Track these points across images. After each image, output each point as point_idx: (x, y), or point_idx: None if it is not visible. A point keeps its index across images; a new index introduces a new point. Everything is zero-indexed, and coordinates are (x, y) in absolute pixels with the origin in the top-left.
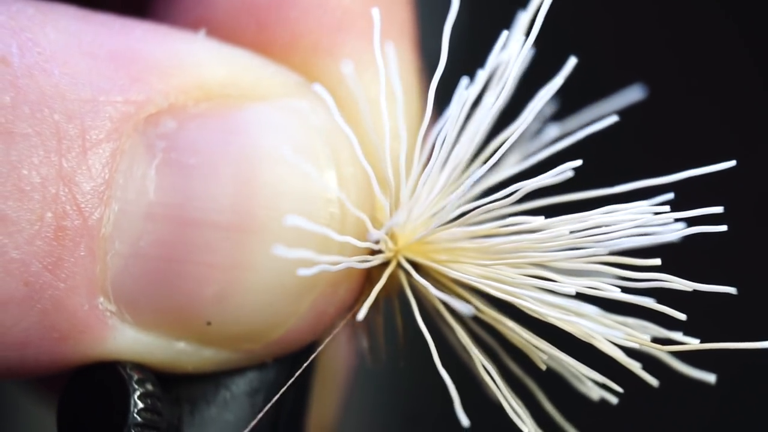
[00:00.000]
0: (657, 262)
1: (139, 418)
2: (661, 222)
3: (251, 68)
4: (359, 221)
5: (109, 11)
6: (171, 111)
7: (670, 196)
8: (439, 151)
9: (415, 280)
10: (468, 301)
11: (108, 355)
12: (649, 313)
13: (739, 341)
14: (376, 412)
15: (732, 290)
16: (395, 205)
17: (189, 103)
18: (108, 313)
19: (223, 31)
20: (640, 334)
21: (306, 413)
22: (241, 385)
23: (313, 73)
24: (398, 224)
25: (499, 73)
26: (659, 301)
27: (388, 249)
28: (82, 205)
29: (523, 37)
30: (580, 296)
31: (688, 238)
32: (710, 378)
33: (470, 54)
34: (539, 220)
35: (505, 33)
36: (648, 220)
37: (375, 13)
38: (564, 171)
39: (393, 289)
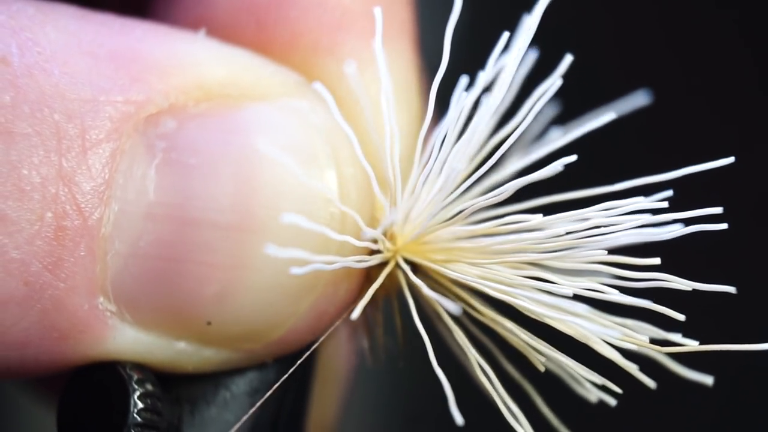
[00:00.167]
0: (656, 261)
1: (139, 418)
2: (660, 219)
3: (251, 68)
4: (358, 221)
5: (109, 11)
6: (171, 111)
7: (669, 193)
8: (439, 152)
9: (411, 280)
10: (466, 302)
11: (108, 355)
12: (647, 313)
13: (738, 343)
14: (377, 413)
15: (731, 289)
16: (394, 205)
17: (189, 103)
18: (108, 313)
19: (223, 31)
20: (638, 335)
21: (306, 413)
22: (241, 385)
23: (313, 73)
24: (396, 224)
25: (499, 74)
26: (657, 301)
27: (387, 249)
28: (82, 205)
29: (524, 39)
30: (578, 296)
31: (685, 237)
32: (707, 380)
33: (471, 54)
34: (537, 218)
35: (505, 35)
36: (647, 219)
37: (377, 12)
38: (556, 166)
39: (393, 289)
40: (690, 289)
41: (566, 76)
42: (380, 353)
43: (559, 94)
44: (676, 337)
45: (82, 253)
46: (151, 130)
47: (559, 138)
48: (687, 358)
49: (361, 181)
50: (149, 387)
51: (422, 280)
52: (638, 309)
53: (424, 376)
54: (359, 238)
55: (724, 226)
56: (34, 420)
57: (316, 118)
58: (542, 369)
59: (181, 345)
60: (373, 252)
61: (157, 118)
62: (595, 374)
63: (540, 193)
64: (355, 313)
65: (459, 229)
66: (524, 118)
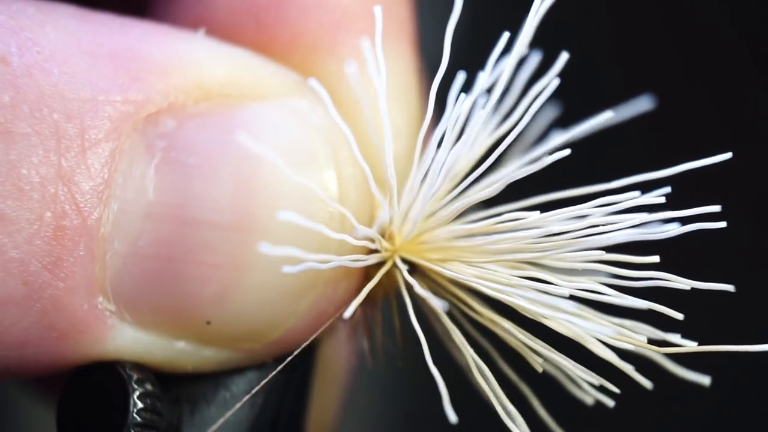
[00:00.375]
0: (655, 259)
1: (138, 418)
2: (657, 217)
3: (250, 67)
4: (359, 220)
5: (109, 11)
6: (170, 110)
7: (667, 190)
8: (437, 151)
9: (407, 280)
10: (464, 301)
11: (107, 355)
12: (644, 313)
13: (737, 344)
14: (377, 412)
15: (730, 288)
16: (392, 204)
17: (188, 102)
18: (107, 313)
19: (222, 31)
20: (635, 335)
21: (306, 413)
22: (240, 385)
23: (313, 73)
24: (395, 223)
25: (499, 75)
26: (655, 300)
27: (384, 248)
28: (81, 205)
29: (523, 40)
30: (576, 296)
31: (683, 236)
32: (705, 380)
33: (471, 54)
34: (534, 215)
35: (505, 36)
36: (645, 217)
37: (377, 11)
38: (546, 159)
39: (392, 289)
40: (689, 288)
41: (567, 78)
42: (380, 353)
43: (560, 97)
44: (674, 337)
45: (81, 253)
46: (151, 130)
47: (557, 139)
48: (685, 359)
49: (361, 181)
50: (149, 387)
51: (420, 280)
52: (635, 308)
53: (424, 376)
54: (357, 238)
55: (722, 224)
56: (34, 420)
57: (316, 117)
58: (540, 369)
59: (181, 345)
60: (371, 251)
61: (157, 118)
62: (593, 374)
63: (537, 192)
64: (348, 312)
65: (456, 228)
66: (522, 118)
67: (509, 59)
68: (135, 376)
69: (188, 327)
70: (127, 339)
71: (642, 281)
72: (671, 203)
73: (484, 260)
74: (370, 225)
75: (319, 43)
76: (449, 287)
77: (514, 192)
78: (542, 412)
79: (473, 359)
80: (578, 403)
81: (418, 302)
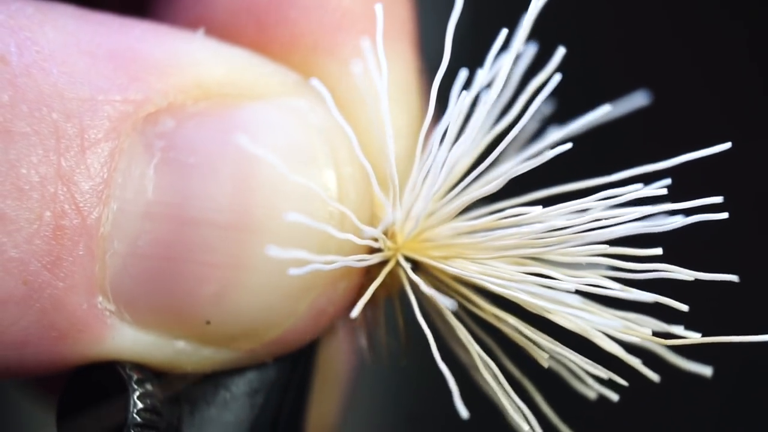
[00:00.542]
0: (658, 251)
1: (138, 418)
2: (660, 209)
3: (250, 67)
4: (358, 220)
5: (109, 11)
6: (170, 110)
7: (668, 181)
8: (438, 149)
9: (411, 278)
10: (468, 298)
11: (107, 355)
12: (644, 305)
13: (741, 334)
14: (379, 412)
15: (734, 278)
16: (394, 203)
17: (188, 102)
18: (107, 312)
19: (223, 31)
20: (639, 328)
21: (306, 413)
22: (240, 385)
23: (313, 73)
24: (397, 222)
25: (498, 72)
26: (657, 292)
27: (387, 247)
28: (81, 204)
29: (521, 36)
30: (580, 291)
31: (685, 228)
32: (707, 371)
33: (473, 54)
34: (537, 210)
35: (504, 32)
36: (647, 209)
37: (378, 8)
38: (548, 154)
39: (394, 288)
40: (692, 279)
41: (564, 72)
42: (381, 353)
43: (556, 93)
44: (677, 329)
45: (80, 253)
46: (150, 129)
47: (554, 135)
48: (686, 352)
49: (360, 181)
50: (149, 387)
51: (423, 278)
52: (634, 301)
53: (425, 376)
54: (360, 237)
55: (724, 215)
56: (34, 420)
57: (315, 117)
58: (546, 365)
59: (180, 344)
60: (373, 251)
61: (156, 117)
62: (600, 368)
63: (535, 187)
64: (355, 312)
65: (459, 225)
66: (523, 114)
67: (507, 55)
68: (135, 377)
69: (187, 327)
70: (126, 339)
71: (645, 274)
72: (672, 195)
73: (488, 257)
74: (369, 224)
75: (319, 44)
76: (452, 284)
77: (513, 187)
78: (546, 409)
79: (479, 356)
80: (578, 401)
81: (420, 300)
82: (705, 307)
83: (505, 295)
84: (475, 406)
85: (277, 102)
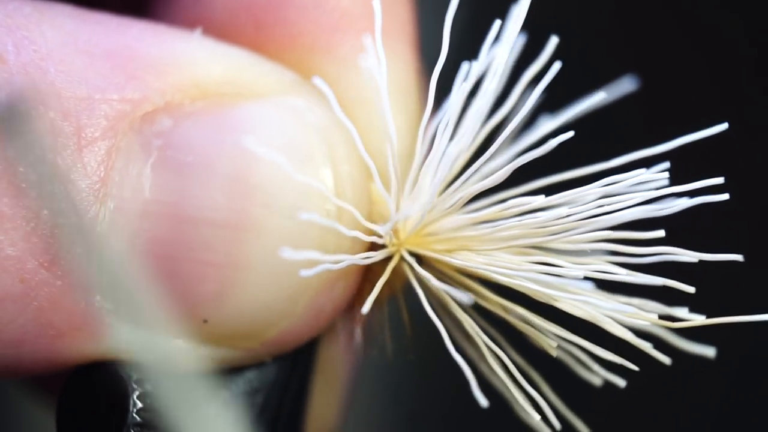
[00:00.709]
0: (660, 233)
1: (138, 418)
2: (663, 192)
3: (247, 66)
4: (356, 218)
5: (107, 10)
6: (167, 109)
7: (667, 165)
8: (438, 143)
9: (417, 272)
10: (473, 290)
11: (105, 353)
12: (648, 289)
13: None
14: (379, 411)
15: (739, 257)
16: (395, 198)
17: (185, 101)
18: (104, 311)
19: (221, 31)
20: (645, 313)
21: (305, 413)
22: (240, 384)
23: (310, 73)
24: (399, 217)
25: (493, 63)
26: (660, 275)
27: (390, 243)
28: (78, 203)
29: (515, 27)
30: (585, 277)
31: (686, 211)
32: (710, 352)
33: (472, 51)
34: (540, 199)
35: (497, 24)
36: (651, 193)
37: (377, 8)
38: (551, 144)
39: (396, 285)
40: (696, 260)
41: (553, 61)
42: (385, 350)
43: (551, 84)
44: (681, 312)
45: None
46: (147, 128)
47: (549, 123)
48: (690, 335)
49: (357, 179)
50: (149, 387)
51: (427, 272)
52: (637, 285)
53: (424, 375)
54: (365, 234)
55: (725, 196)
56: (33, 420)
57: (312, 116)
58: (554, 353)
59: (178, 343)
60: (373, 248)
61: (153, 116)
62: (610, 353)
63: (534, 175)
64: (365, 308)
65: (461, 217)
66: (520, 104)
67: (501, 46)
68: (135, 376)
69: (185, 325)
70: (124, 337)
71: (649, 257)
72: (673, 178)
73: (492, 248)
74: (367, 221)
75: (317, 44)
76: (456, 277)
77: (511, 177)
78: (555, 399)
79: (488, 347)
80: (582, 392)
81: (418, 295)
82: (709, 290)
83: (512, 285)
84: (474, 405)
85: (275, 101)
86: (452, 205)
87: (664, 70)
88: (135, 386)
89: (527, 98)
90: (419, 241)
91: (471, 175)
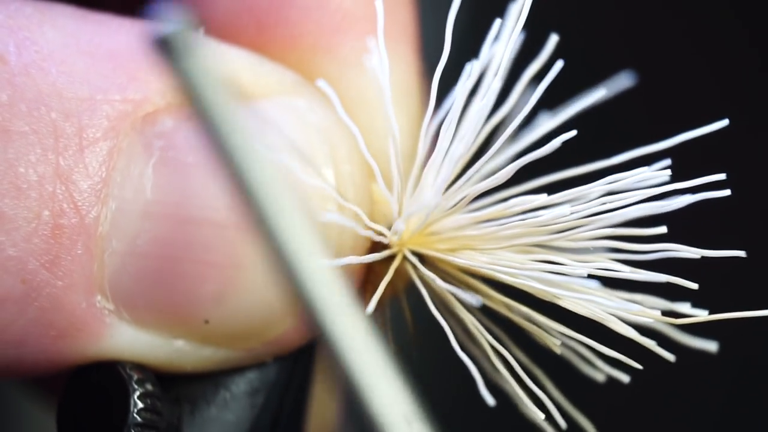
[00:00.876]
0: (663, 230)
1: (139, 418)
2: (666, 189)
3: (248, 67)
4: (356, 218)
5: (108, 11)
6: (168, 109)
7: (668, 162)
8: (440, 143)
9: (420, 272)
10: (476, 289)
11: (106, 354)
12: (650, 286)
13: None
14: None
15: (741, 254)
16: (399, 198)
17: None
18: (106, 312)
19: (223, 32)
20: (649, 309)
21: (306, 413)
22: (241, 384)
23: (312, 73)
24: (402, 217)
25: (496, 62)
26: (662, 272)
27: (393, 243)
28: (79, 203)
29: (514, 26)
30: (589, 275)
31: (689, 208)
32: (712, 346)
33: (473, 52)
34: (542, 198)
35: (498, 23)
36: (654, 190)
37: (378, 5)
38: (555, 143)
39: (398, 285)
40: (699, 257)
41: (552, 58)
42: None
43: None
44: (684, 307)
45: (79, 252)
46: (149, 129)
47: (548, 121)
48: (694, 332)
49: (358, 179)
50: (149, 387)
51: (430, 272)
52: (639, 282)
53: (425, 375)
54: (376, 233)
55: (727, 192)
56: (34, 420)
57: (314, 116)
58: (558, 351)
59: (180, 344)
60: (375, 247)
61: (155, 117)
62: (613, 351)
63: (539, 174)
64: (369, 308)
65: (464, 216)
66: (521, 102)
67: (500, 44)
68: (135, 376)
69: (187, 326)
70: (125, 338)
71: (651, 254)
72: (674, 175)
73: (494, 247)
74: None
75: (319, 45)
76: (459, 277)
77: (514, 175)
78: (559, 397)
79: (492, 346)
80: (585, 389)
81: (419, 295)
82: (711, 287)
83: (515, 284)
84: (475, 404)
85: (276, 101)
86: (455, 205)
87: (665, 67)
88: (135, 386)
89: (527, 97)
90: (422, 240)
91: (473, 175)
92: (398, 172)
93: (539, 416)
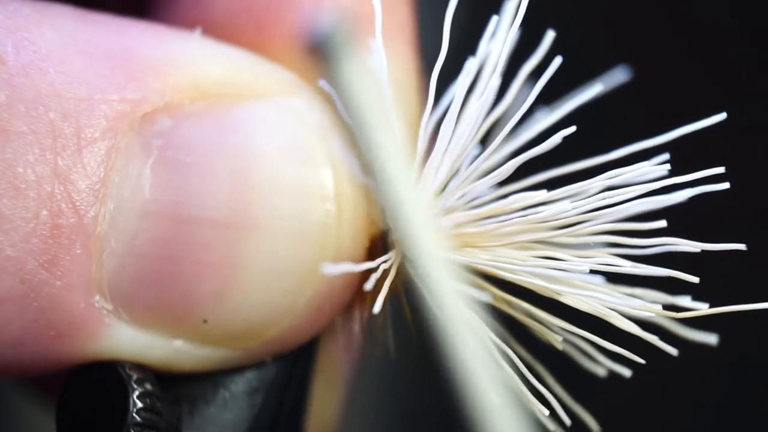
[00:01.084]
0: (662, 224)
1: (138, 418)
2: (666, 183)
3: (247, 67)
4: (356, 217)
5: (107, 11)
6: (167, 109)
7: (666, 156)
8: (439, 141)
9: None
10: (477, 286)
11: (105, 354)
12: (651, 280)
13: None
14: (378, 412)
15: (741, 246)
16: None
17: (185, 101)
18: (104, 311)
19: (222, 31)
20: (650, 304)
21: (305, 413)
22: (240, 384)
23: (310, 73)
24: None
25: (494, 59)
26: (663, 266)
27: (392, 243)
28: (78, 203)
29: (511, 23)
30: (591, 271)
31: (688, 202)
32: (712, 339)
33: (471, 50)
34: (542, 194)
35: (495, 19)
36: (655, 185)
37: (376, 4)
38: (555, 139)
39: (397, 284)
40: (699, 250)
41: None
42: (387, 348)
43: (541, 73)
44: (684, 301)
45: (77, 252)
46: (147, 129)
47: (547, 117)
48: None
49: (357, 179)
50: (148, 386)
51: None
52: (640, 276)
53: (426, 376)
54: (359, 235)
55: (725, 185)
56: (33, 420)
57: (312, 116)
58: (561, 347)
59: (178, 343)
60: (374, 246)
61: (153, 117)
62: (617, 346)
63: (538, 170)
64: (377, 308)
65: (463, 213)
66: (518, 99)
67: (497, 41)
68: (134, 376)
69: (185, 325)
70: (124, 338)
71: (652, 248)
72: (673, 170)
73: (495, 244)
74: (368, 221)
75: None
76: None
77: (513, 172)
78: (562, 393)
79: (495, 343)
80: (587, 384)
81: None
82: (712, 281)
83: (516, 281)
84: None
85: (275, 101)
86: (456, 203)
87: (662, 61)
88: (135, 386)
89: (526, 93)
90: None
91: (473, 172)
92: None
93: (543, 412)
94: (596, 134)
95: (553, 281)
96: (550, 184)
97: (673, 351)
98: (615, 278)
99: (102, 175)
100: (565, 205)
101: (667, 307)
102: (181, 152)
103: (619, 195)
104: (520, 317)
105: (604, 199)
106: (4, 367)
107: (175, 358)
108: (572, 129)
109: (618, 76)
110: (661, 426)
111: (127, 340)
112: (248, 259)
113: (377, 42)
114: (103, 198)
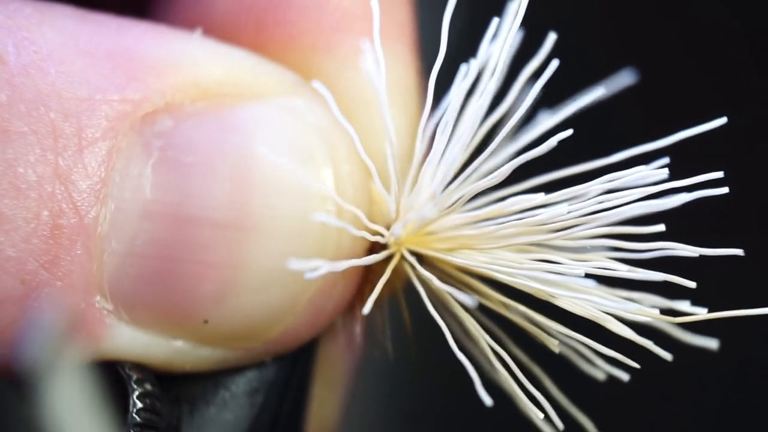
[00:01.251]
0: (661, 228)
1: (138, 418)
2: (664, 187)
3: (248, 67)
4: (356, 217)
5: (107, 11)
6: (167, 109)
7: (666, 160)
8: (438, 142)
9: (418, 272)
10: (474, 288)
11: (105, 354)
12: (649, 284)
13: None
14: (378, 412)
15: (739, 252)
16: (397, 198)
17: (185, 101)
18: (105, 312)
19: (222, 31)
20: (647, 308)
21: (305, 413)
22: (240, 384)
23: (311, 73)
24: (399, 217)
25: (493, 60)
26: (660, 270)
27: (391, 242)
28: (79, 204)
29: (512, 24)
30: (587, 274)
31: (687, 207)
32: (712, 344)
33: (471, 51)
34: (540, 197)
35: (495, 21)
36: (652, 189)
37: (375, 5)
38: (552, 142)
39: (396, 285)
40: (697, 255)
41: (552, 56)
42: (386, 350)
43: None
44: (683, 305)
45: (78, 252)
46: (148, 129)
47: (548, 119)
48: (693, 330)
49: (358, 179)
50: (148, 387)
51: (428, 271)
52: (637, 280)
53: (426, 376)
54: (371, 233)
55: (725, 189)
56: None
57: (313, 116)
58: (557, 350)
59: (179, 344)
60: (374, 247)
61: (154, 117)
62: (612, 351)
63: (537, 173)
64: (366, 309)
65: (462, 216)
66: (519, 101)
67: (497, 43)
68: (135, 376)
69: (185, 326)
70: (124, 338)
71: (650, 252)
72: (673, 174)
73: (492, 246)
74: (368, 221)
75: (317, 44)
76: (457, 276)
77: (511, 174)
78: (559, 396)
79: (490, 346)
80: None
81: (419, 294)
82: (710, 285)
83: (513, 284)
84: (473, 404)
85: (275, 101)
86: (453, 204)
87: (662, 65)
88: (134, 386)
89: (526, 95)
90: (420, 240)
91: (471, 174)
92: (396, 171)
93: (538, 416)
94: (595, 137)
95: (549, 284)
96: (549, 187)
97: (667, 356)
98: (614, 282)
99: (103, 176)
100: (563, 207)
101: (667, 311)
102: (182, 152)
103: (617, 198)
104: (517, 320)
105: (602, 202)
106: (4, 368)
107: (175, 358)
108: (569, 132)
109: (623, 79)
110: (661, 428)
111: (128, 340)
112: (249, 260)
113: (376, 42)
114: (103, 198)
